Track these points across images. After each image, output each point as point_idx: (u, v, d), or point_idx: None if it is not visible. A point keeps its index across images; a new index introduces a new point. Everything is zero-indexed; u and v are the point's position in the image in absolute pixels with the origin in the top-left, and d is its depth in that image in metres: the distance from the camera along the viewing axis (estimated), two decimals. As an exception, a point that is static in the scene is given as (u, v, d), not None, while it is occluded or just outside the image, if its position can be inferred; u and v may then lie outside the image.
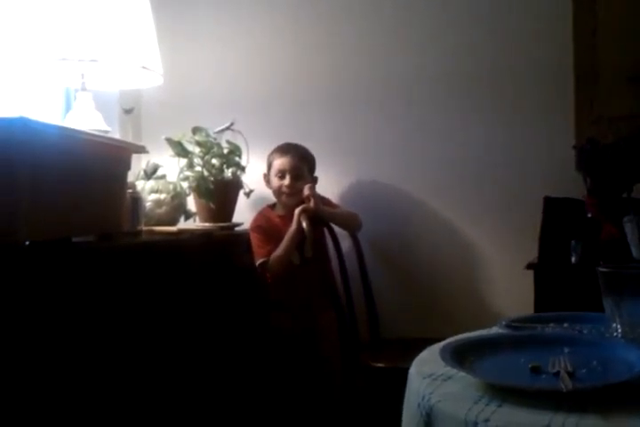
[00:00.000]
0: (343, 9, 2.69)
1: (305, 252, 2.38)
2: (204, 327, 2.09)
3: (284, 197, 2.46)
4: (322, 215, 2.35)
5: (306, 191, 2.35)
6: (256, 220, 2.48)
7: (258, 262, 2.36)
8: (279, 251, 2.34)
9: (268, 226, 2.45)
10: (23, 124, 1.29)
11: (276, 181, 2.46)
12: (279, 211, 2.50)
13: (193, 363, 1.99)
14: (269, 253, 2.35)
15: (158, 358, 1.79)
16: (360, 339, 2.37)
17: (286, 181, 2.43)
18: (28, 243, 1.37)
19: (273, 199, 2.55)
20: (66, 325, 1.42)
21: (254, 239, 2.41)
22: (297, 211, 2.30)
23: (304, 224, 2.27)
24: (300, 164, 2.45)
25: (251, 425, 2.28)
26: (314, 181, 2.48)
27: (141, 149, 1.90)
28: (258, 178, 2.55)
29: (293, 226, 2.31)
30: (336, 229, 2.45)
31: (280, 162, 2.45)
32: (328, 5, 2.70)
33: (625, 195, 2.08)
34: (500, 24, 2.51)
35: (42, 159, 1.36)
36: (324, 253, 2.45)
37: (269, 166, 2.50)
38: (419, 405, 0.96)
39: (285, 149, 2.47)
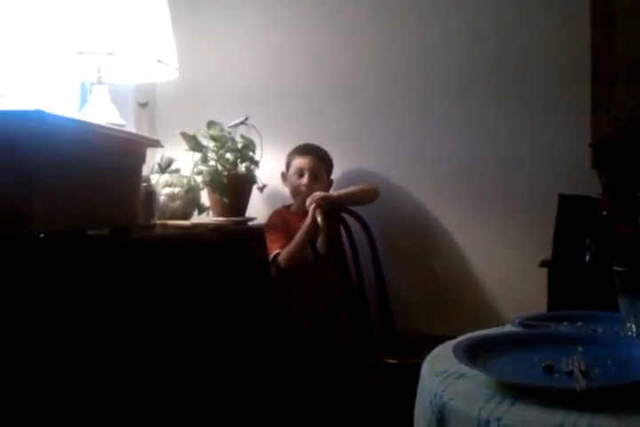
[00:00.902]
0: (355, 8, 2.68)
1: (319, 249, 2.39)
2: (217, 322, 2.09)
3: (300, 196, 2.48)
4: (343, 202, 2.39)
5: (310, 209, 2.35)
6: (271, 218, 2.52)
7: (272, 255, 2.37)
8: (291, 244, 2.36)
9: (283, 223, 2.47)
10: (39, 116, 1.29)
11: (294, 180, 2.49)
12: (295, 210, 2.52)
13: (205, 358, 1.99)
14: (283, 247, 2.36)
15: (171, 353, 1.79)
16: (373, 335, 2.37)
17: (304, 179, 2.46)
18: (42, 235, 1.37)
19: (286, 194, 2.56)
20: (79, 318, 1.43)
21: (269, 235, 2.41)
22: (312, 206, 2.32)
23: (319, 219, 2.28)
24: (320, 164, 2.49)
25: (263, 422, 2.28)
26: (330, 183, 2.51)
27: (156, 143, 1.89)
28: (271, 173, 2.56)
29: (308, 220, 2.32)
30: (350, 225, 2.45)
31: (300, 161, 2.49)
32: (340, 4, 2.70)
33: (641, 193, 2.07)
34: (516, 22, 2.49)
35: (57, 152, 1.36)
36: (339, 252, 2.45)
37: (288, 165, 2.53)
38: (431, 402, 0.95)
39: (306, 149, 2.52)
